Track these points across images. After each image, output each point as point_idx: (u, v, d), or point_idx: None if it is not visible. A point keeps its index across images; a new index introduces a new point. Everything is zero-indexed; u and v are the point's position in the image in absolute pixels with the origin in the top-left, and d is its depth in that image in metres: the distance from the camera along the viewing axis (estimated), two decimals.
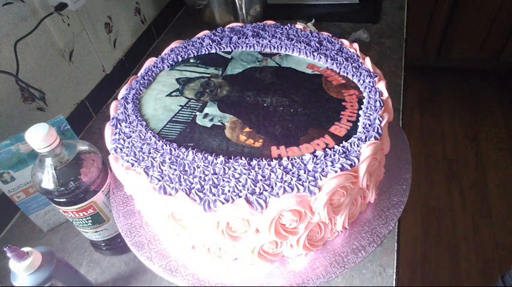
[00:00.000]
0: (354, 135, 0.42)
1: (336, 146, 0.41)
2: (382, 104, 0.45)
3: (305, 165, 0.39)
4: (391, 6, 1.08)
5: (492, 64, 2.01)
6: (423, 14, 1.88)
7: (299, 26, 0.60)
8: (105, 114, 0.87)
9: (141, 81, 0.54)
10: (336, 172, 0.38)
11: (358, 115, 0.45)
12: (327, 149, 0.41)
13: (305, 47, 0.55)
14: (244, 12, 0.91)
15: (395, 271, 0.53)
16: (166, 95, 0.52)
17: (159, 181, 0.39)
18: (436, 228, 1.54)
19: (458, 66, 2.08)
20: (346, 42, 0.55)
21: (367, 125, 0.43)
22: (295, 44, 0.56)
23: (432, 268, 1.38)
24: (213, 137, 0.45)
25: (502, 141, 1.81)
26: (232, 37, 0.59)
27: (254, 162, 0.40)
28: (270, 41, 0.57)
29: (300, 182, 0.38)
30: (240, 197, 0.37)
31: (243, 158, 0.41)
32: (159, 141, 0.44)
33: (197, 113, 0.48)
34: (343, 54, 0.53)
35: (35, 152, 0.45)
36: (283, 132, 0.44)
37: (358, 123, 0.44)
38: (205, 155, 0.41)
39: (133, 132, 0.46)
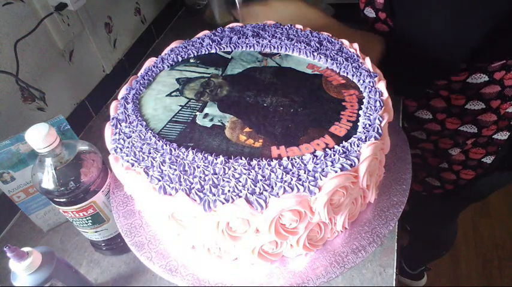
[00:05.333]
0: (354, 136, 0.42)
1: (336, 146, 0.41)
2: (382, 104, 0.45)
3: (305, 165, 0.39)
4: None
5: None
6: None
7: (299, 25, 0.60)
8: (105, 114, 0.87)
9: (141, 81, 0.54)
10: (336, 172, 0.38)
11: (358, 115, 0.45)
12: (327, 149, 0.41)
13: (305, 47, 0.55)
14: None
15: (395, 271, 0.53)
16: (166, 95, 0.52)
17: (159, 181, 0.39)
18: None
19: None
20: (346, 42, 0.55)
21: (367, 125, 0.43)
22: (295, 44, 0.56)
23: (432, 268, 1.38)
24: (213, 137, 0.45)
25: None
26: (232, 37, 0.59)
27: (254, 162, 0.40)
28: (270, 41, 0.57)
29: (300, 182, 0.38)
30: (240, 197, 0.37)
31: (243, 158, 0.41)
32: (159, 141, 0.44)
33: (197, 113, 0.48)
34: (343, 54, 0.53)
35: (35, 152, 0.45)
36: (283, 132, 0.44)
37: (358, 123, 0.44)
38: (205, 155, 0.41)
39: (133, 132, 0.46)
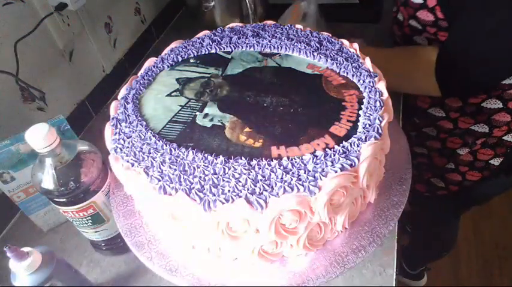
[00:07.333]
0: (354, 135, 0.42)
1: (336, 146, 0.41)
2: (382, 104, 0.45)
3: (305, 165, 0.39)
4: (392, 6, 1.08)
5: None
6: None
7: (299, 26, 0.60)
8: (105, 114, 0.87)
9: (141, 81, 0.54)
10: (336, 172, 0.38)
11: (358, 115, 0.45)
12: (327, 149, 0.41)
13: (305, 47, 0.55)
14: (252, 13, 0.90)
15: (395, 271, 0.53)
16: (166, 95, 0.52)
17: (159, 181, 0.39)
18: None
19: None
20: (346, 42, 0.55)
21: (367, 125, 0.43)
22: (295, 44, 0.55)
23: (432, 268, 1.38)
24: (213, 137, 0.45)
25: None
26: (232, 37, 0.59)
27: (254, 162, 0.40)
28: (270, 41, 0.57)
29: (300, 182, 0.38)
30: (240, 197, 0.37)
31: (243, 158, 0.40)
32: (159, 141, 0.44)
33: (197, 113, 0.48)
34: (343, 54, 0.53)
35: (35, 152, 0.45)
36: (283, 132, 0.44)
37: (358, 123, 0.44)
38: (205, 155, 0.41)
39: (133, 132, 0.46)
